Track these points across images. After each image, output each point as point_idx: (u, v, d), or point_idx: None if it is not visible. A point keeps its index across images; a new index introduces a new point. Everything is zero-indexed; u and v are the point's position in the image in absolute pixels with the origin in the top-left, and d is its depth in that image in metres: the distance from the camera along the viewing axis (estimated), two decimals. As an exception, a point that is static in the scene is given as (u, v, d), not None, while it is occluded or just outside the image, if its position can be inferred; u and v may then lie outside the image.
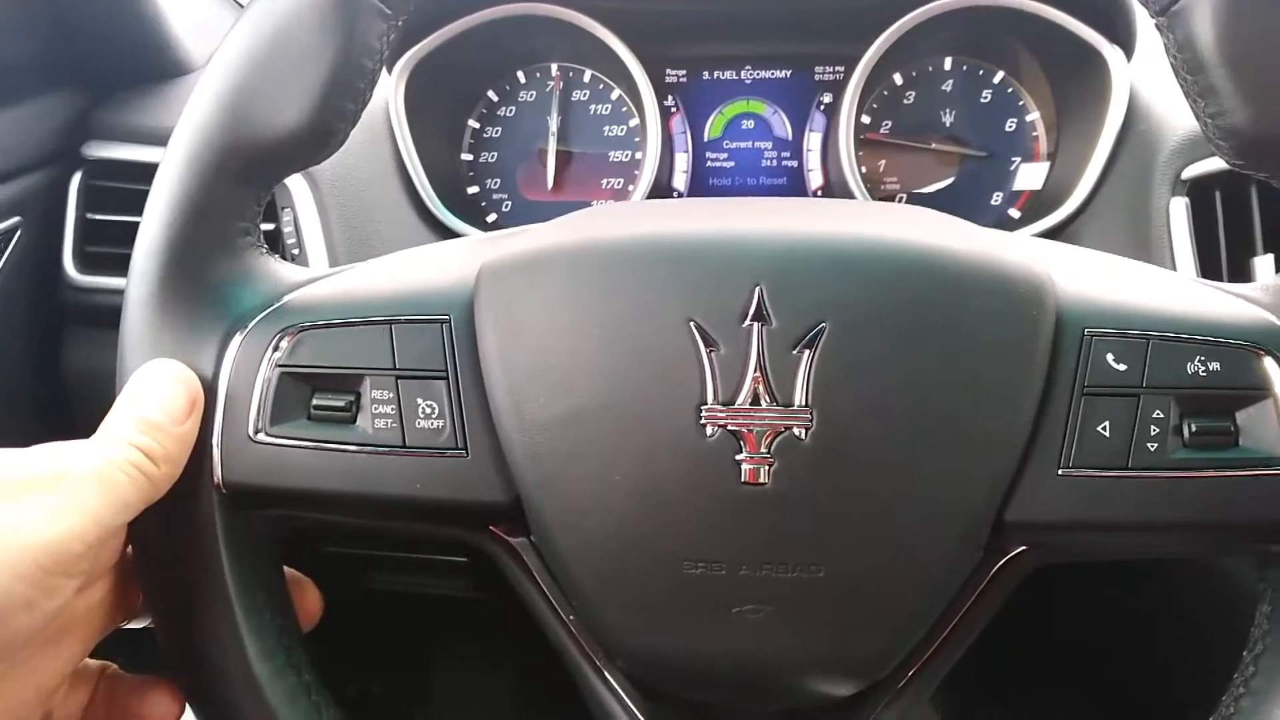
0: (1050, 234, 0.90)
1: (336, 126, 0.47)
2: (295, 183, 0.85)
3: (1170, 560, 0.87)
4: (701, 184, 1.02)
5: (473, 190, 1.01)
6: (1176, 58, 0.44)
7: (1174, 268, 0.81)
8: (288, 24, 0.44)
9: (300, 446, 0.45)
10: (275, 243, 0.86)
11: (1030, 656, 1.12)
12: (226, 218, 0.46)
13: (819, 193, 1.00)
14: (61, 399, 0.91)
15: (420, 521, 0.49)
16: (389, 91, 0.93)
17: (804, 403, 0.42)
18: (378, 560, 0.99)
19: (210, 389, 0.45)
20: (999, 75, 0.98)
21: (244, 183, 0.46)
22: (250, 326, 0.46)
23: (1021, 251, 0.46)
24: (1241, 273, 0.79)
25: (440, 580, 1.01)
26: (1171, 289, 0.47)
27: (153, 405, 0.43)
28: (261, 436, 0.45)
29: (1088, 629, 1.12)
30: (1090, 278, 0.47)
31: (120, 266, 0.85)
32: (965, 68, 0.98)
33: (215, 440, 0.45)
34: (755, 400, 0.42)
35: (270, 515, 0.47)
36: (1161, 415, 0.43)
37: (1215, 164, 0.81)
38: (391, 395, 0.45)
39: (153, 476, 0.42)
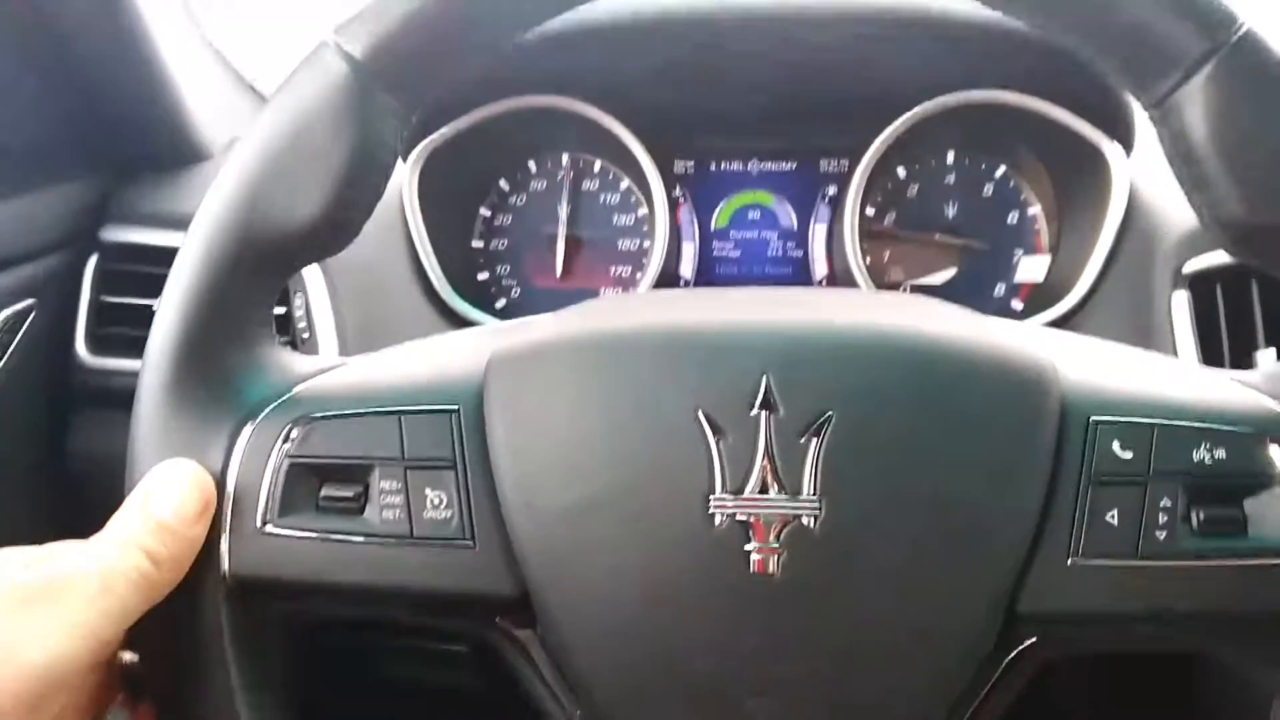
0: (1053, 326, 0.91)
1: (351, 220, 0.47)
2: (308, 268, 0.86)
3: (1187, 661, 0.86)
4: (708, 273, 1.03)
5: (483, 276, 1.02)
6: (1171, 149, 0.45)
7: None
8: (304, 121, 0.45)
9: (308, 538, 0.45)
10: (286, 326, 0.87)
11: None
12: (241, 310, 0.47)
13: (824, 282, 1.01)
14: (70, 481, 0.91)
15: (427, 613, 0.48)
16: (403, 180, 0.95)
17: (812, 492, 0.42)
18: (381, 651, 0.98)
19: (220, 480, 0.45)
20: (1001, 169, 0.99)
21: (259, 276, 0.47)
22: (261, 417, 0.46)
23: (1025, 339, 0.46)
24: (1244, 366, 0.79)
25: (443, 671, 0.99)
26: (1175, 376, 0.48)
27: (165, 506, 0.43)
28: (270, 528, 0.45)
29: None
30: (1094, 365, 0.47)
31: (132, 349, 0.87)
32: (968, 161, 1.00)
33: (224, 532, 0.45)
34: (764, 489, 0.42)
35: (277, 608, 0.47)
36: (1169, 503, 0.43)
37: (1216, 259, 0.82)
38: (400, 485, 0.45)
39: (155, 582, 0.42)
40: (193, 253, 0.46)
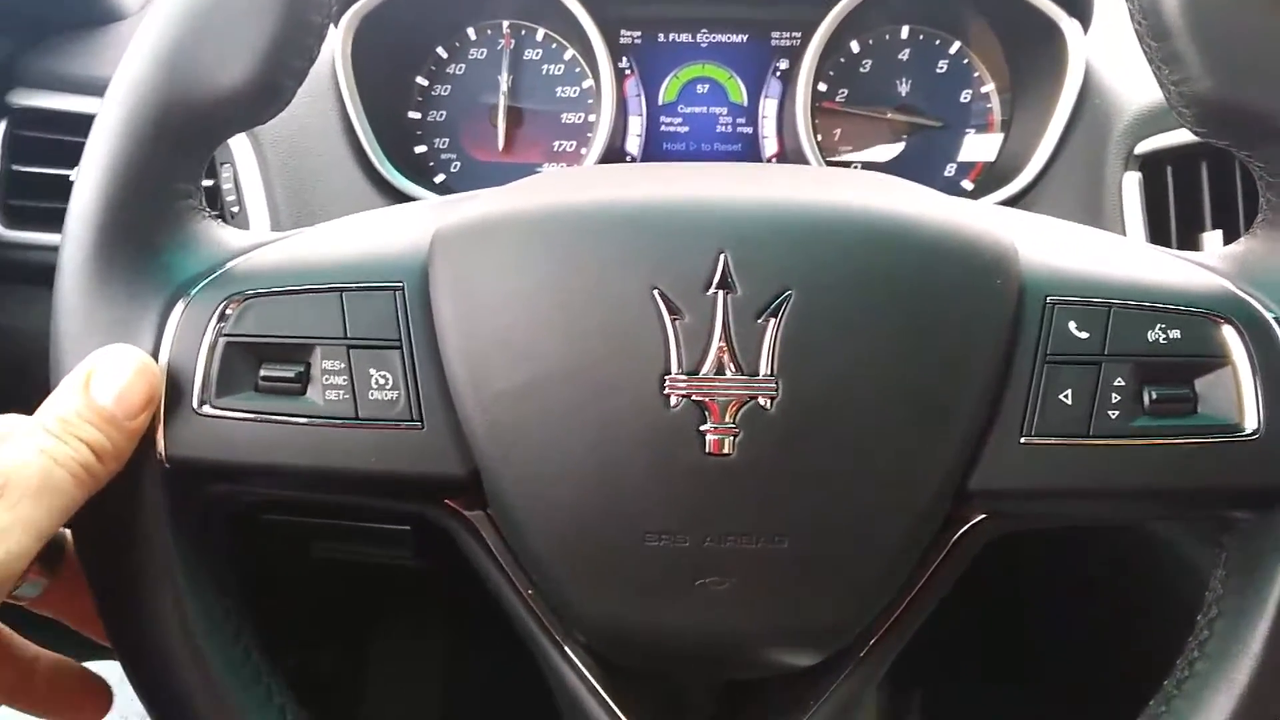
0: (1004, 205, 0.90)
1: (283, 84, 0.45)
2: (236, 139, 0.82)
3: (1126, 533, 0.89)
4: (655, 148, 1.00)
5: (420, 149, 0.98)
6: (1141, 24, 0.44)
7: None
8: None
9: (248, 419, 0.43)
10: (214, 200, 0.83)
11: (986, 634, 1.14)
12: (166, 180, 0.44)
13: (774, 159, 0.99)
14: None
15: (374, 495, 0.47)
16: (334, 45, 0.89)
17: (769, 372, 0.41)
18: (320, 529, 0.98)
19: (153, 358, 0.43)
20: (955, 45, 0.97)
21: (184, 143, 0.44)
22: (193, 294, 0.44)
23: (985, 220, 0.46)
24: (1190, 247, 0.80)
25: (383, 549, 0.99)
26: (1133, 257, 0.48)
27: (108, 394, 0.41)
28: (207, 409, 0.43)
29: (1042, 603, 1.14)
30: (1053, 246, 0.47)
31: (49, 221, 0.83)
32: (922, 37, 0.97)
33: (159, 413, 0.43)
34: (720, 370, 0.41)
35: (217, 490, 0.45)
36: (1122, 383, 0.43)
37: (1168, 139, 0.82)
38: (343, 366, 0.43)
39: (97, 475, 0.40)
40: (111, 119, 0.43)
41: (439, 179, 0.99)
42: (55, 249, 0.44)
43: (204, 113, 0.43)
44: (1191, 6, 0.42)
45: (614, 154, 0.97)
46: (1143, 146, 0.83)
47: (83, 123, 0.85)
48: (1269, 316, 0.44)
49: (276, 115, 0.46)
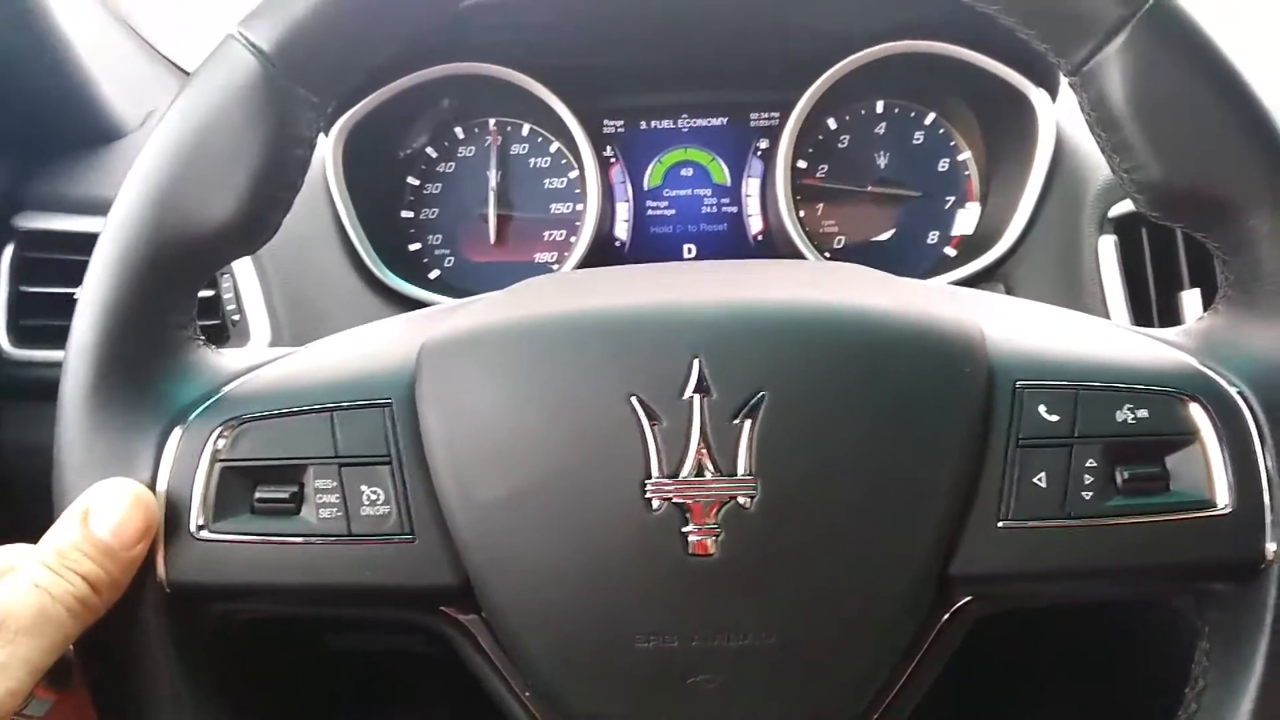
0: (984, 273, 0.92)
1: (269, 217, 0.47)
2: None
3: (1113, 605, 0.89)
4: (643, 232, 1.02)
5: (414, 247, 1.01)
6: (1091, 115, 0.46)
7: (1105, 305, 0.83)
8: (214, 119, 0.44)
9: (245, 541, 0.44)
10: (215, 310, 0.85)
11: (975, 709, 1.13)
12: (159, 314, 0.46)
13: (759, 237, 1.01)
14: (-1, 473, 0.89)
15: (371, 607, 0.48)
16: (325, 154, 0.92)
17: (748, 471, 0.42)
18: (331, 621, 0.98)
19: (150, 487, 0.44)
20: (930, 117, 1.00)
21: (175, 278, 0.46)
22: (189, 421, 0.45)
23: (952, 306, 0.47)
24: (1170, 307, 0.81)
25: (395, 637, 0.99)
26: (1098, 337, 0.49)
27: (105, 526, 0.42)
28: (205, 533, 0.44)
29: (1030, 677, 1.13)
30: (1019, 329, 0.48)
31: (56, 339, 0.84)
32: (897, 110, 1.00)
33: (159, 539, 0.44)
34: (699, 471, 0.42)
35: (217, 610, 0.46)
36: (1094, 464, 0.44)
37: (1141, 202, 0.83)
38: (335, 484, 0.44)
39: (94, 607, 0.41)
40: (105, 259, 0.44)
41: (434, 275, 1.01)
42: (60, 365, 0.45)
43: (193, 248, 0.45)
44: (1137, 98, 0.43)
45: (603, 241, 0.99)
46: (1117, 209, 0.85)
47: (87, 242, 0.88)
48: (1233, 392, 0.45)
49: (265, 244, 0.48)
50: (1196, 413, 0.44)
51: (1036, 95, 0.91)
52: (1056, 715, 1.12)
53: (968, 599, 0.46)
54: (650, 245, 1.02)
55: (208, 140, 0.44)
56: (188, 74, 1.09)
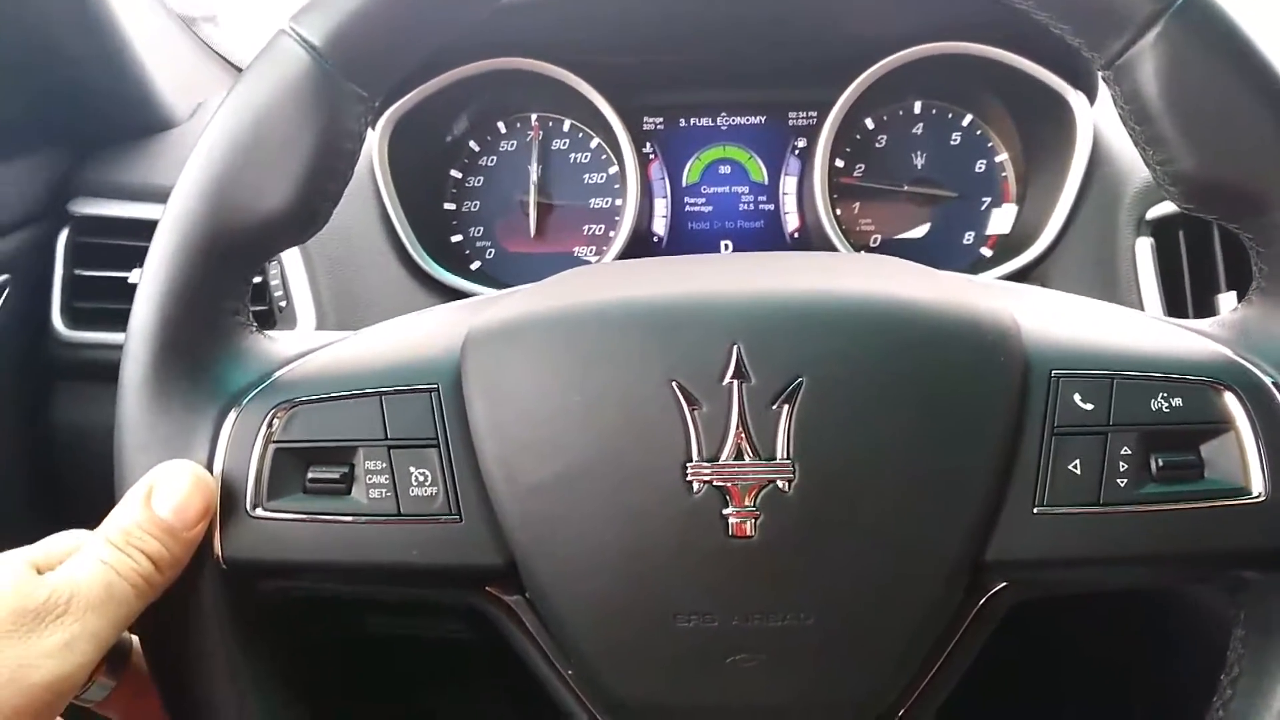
0: (1020, 274, 0.92)
1: (319, 207, 0.48)
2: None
3: (1146, 593, 0.89)
4: (681, 228, 1.04)
5: (456, 239, 1.03)
6: (1124, 108, 0.46)
7: (1141, 307, 0.83)
8: (268, 111, 0.45)
9: (298, 520, 0.46)
10: (263, 296, 0.87)
11: (1011, 698, 1.13)
12: (215, 300, 0.47)
13: (795, 235, 1.02)
14: (51, 453, 0.92)
15: (417, 586, 0.50)
16: (372, 147, 0.94)
17: (786, 456, 0.43)
18: (375, 604, 1.00)
19: (208, 468, 0.46)
20: (968, 118, 1.00)
21: (231, 266, 0.47)
22: (244, 405, 0.47)
23: (988, 297, 0.48)
24: (1206, 310, 0.81)
25: (438, 623, 1.01)
26: (1133, 327, 0.49)
27: (167, 507, 0.43)
28: (259, 511, 0.46)
29: (1065, 667, 1.13)
30: (1055, 319, 0.49)
31: (109, 321, 0.88)
32: (935, 111, 1.00)
33: (215, 517, 0.46)
34: (739, 455, 0.43)
35: (270, 587, 0.48)
36: (1129, 452, 0.44)
37: (1178, 205, 0.83)
38: (385, 465, 0.46)
39: (156, 585, 0.43)
40: (163, 247, 0.46)
41: (475, 266, 1.02)
42: (115, 347, 0.47)
43: (247, 239, 0.46)
44: (1171, 91, 0.44)
45: (641, 236, 1.00)
46: (1154, 212, 0.85)
47: (139, 228, 0.91)
48: (1268, 381, 0.45)
49: (315, 234, 0.49)
50: (1231, 402, 0.45)
51: (1074, 97, 0.91)
52: (1089, 707, 1.12)
53: (1002, 585, 0.46)
54: (687, 241, 1.04)
55: (262, 133, 0.45)
56: (238, 69, 1.12)
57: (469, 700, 1.26)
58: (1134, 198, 0.86)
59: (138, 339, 0.46)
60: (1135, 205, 0.86)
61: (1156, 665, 1.00)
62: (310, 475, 0.46)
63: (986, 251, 0.99)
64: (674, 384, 0.44)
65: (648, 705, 0.46)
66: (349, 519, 0.46)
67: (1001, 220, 0.99)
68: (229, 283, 0.48)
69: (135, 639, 0.49)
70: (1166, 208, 0.84)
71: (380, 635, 1.03)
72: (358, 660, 1.17)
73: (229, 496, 0.46)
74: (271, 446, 0.46)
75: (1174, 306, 0.83)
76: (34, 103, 0.92)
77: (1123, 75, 0.45)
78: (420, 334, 0.51)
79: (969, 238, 1.00)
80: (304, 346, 0.51)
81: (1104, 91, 0.91)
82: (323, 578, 0.48)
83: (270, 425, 0.46)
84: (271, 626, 0.49)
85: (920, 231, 1.01)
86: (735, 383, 0.44)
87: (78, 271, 0.91)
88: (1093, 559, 0.45)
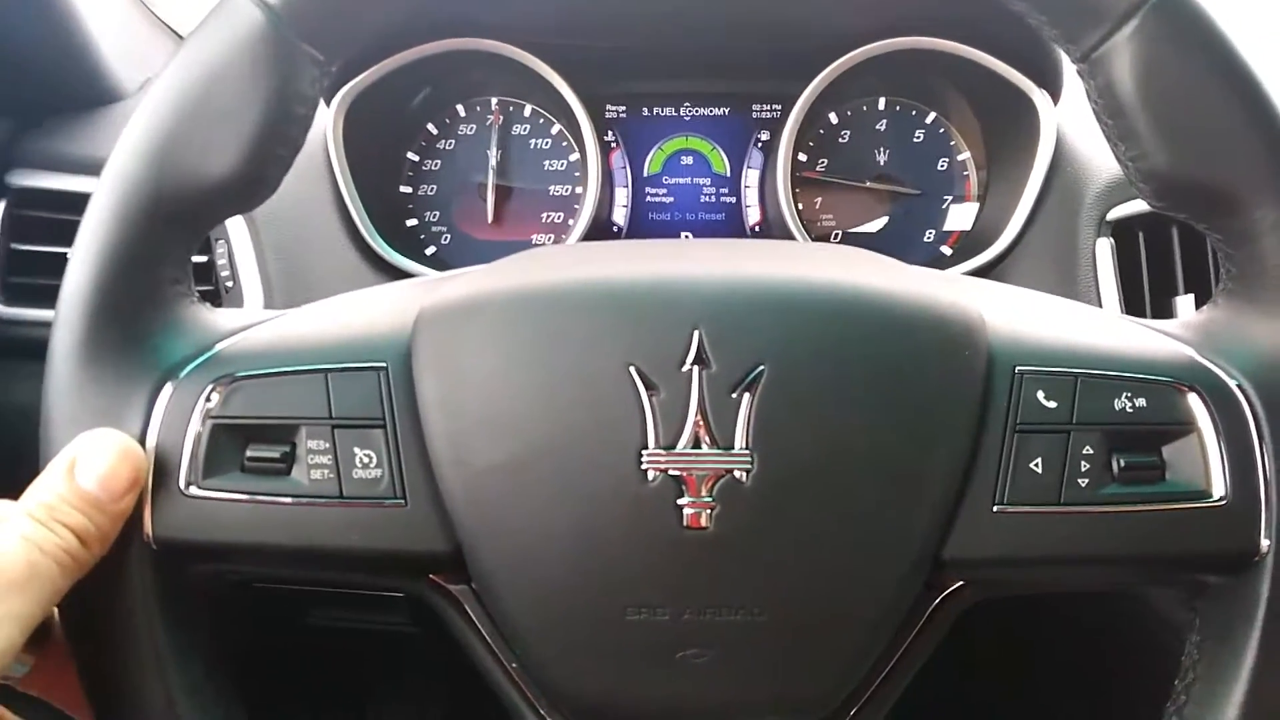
0: (980, 272, 0.92)
1: (269, 173, 0.46)
2: (230, 215, 0.84)
3: (1103, 595, 0.89)
4: (641, 219, 1.02)
5: (411, 222, 1.00)
6: (1098, 103, 0.46)
7: (1100, 307, 0.83)
8: (219, 69, 0.44)
9: (234, 499, 0.44)
10: (209, 275, 0.85)
11: (961, 701, 1.14)
12: (155, 267, 0.45)
13: (756, 228, 1.01)
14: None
15: (359, 572, 0.48)
16: (327, 124, 0.92)
17: (745, 446, 0.42)
18: (316, 596, 0.98)
19: (140, 442, 0.44)
20: (931, 115, 1.00)
21: (173, 231, 0.45)
22: (181, 377, 0.45)
23: (953, 291, 0.47)
24: (1164, 312, 0.82)
25: (380, 616, 0.99)
26: (1099, 326, 0.49)
27: (91, 478, 0.41)
28: (193, 490, 0.44)
29: (1023, 668, 1.13)
30: (1020, 316, 0.48)
31: (46, 298, 0.84)
32: (899, 108, 1.00)
33: (146, 495, 0.44)
34: (696, 444, 0.42)
35: (204, 570, 0.46)
36: (1091, 451, 0.44)
37: (1139, 206, 0.84)
38: (328, 445, 0.44)
39: (82, 561, 0.41)
40: (102, 208, 0.44)
41: (430, 251, 1.00)
42: (50, 325, 0.44)
43: (191, 202, 0.45)
44: (1146, 86, 0.43)
45: (601, 225, 0.99)
46: (1115, 213, 0.85)
47: (81, 202, 0.87)
48: (1232, 384, 0.45)
49: (264, 202, 0.48)
50: (1195, 403, 0.45)
51: (1039, 97, 0.91)
52: (1046, 708, 1.13)
53: (960, 584, 0.46)
54: (647, 231, 1.02)
55: (210, 93, 0.44)
56: (190, 39, 1.09)
57: (406, 700, 1.24)
58: (1095, 198, 0.86)
59: (70, 304, 0.44)
60: (1096, 206, 0.86)
61: (1113, 668, 1.01)
62: (249, 454, 0.45)
63: (947, 250, 0.99)
64: (632, 368, 0.43)
65: (594, 701, 0.45)
66: (288, 500, 0.44)
67: (962, 218, 0.99)
68: (170, 248, 0.46)
69: (55, 612, 0.47)
70: (1127, 209, 0.84)
71: (321, 627, 1.00)
72: (294, 656, 1.15)
73: (161, 473, 0.44)
74: (209, 422, 0.44)
75: (1132, 308, 0.83)
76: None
77: (1097, 69, 0.45)
78: (370, 311, 0.49)
79: (930, 235, 1.00)
80: (247, 320, 0.49)
81: (1067, 92, 0.92)
82: (259, 561, 0.46)
83: (209, 400, 0.45)
84: (202, 614, 0.47)
85: (880, 226, 1.00)
86: (695, 369, 0.43)
87: (14, 246, 0.88)
88: (1052, 559, 0.45)
